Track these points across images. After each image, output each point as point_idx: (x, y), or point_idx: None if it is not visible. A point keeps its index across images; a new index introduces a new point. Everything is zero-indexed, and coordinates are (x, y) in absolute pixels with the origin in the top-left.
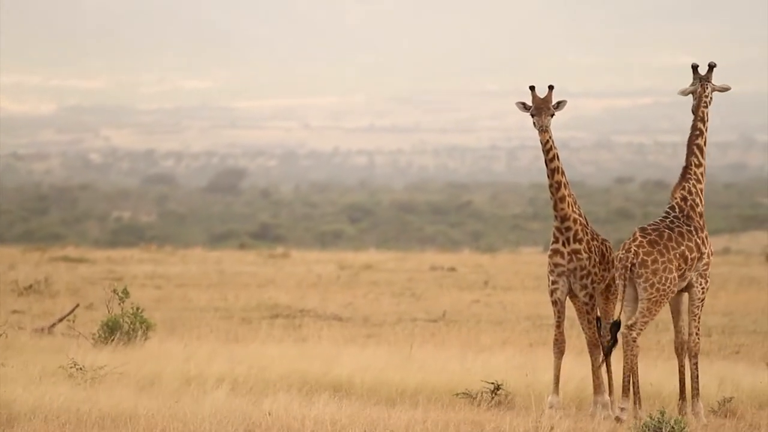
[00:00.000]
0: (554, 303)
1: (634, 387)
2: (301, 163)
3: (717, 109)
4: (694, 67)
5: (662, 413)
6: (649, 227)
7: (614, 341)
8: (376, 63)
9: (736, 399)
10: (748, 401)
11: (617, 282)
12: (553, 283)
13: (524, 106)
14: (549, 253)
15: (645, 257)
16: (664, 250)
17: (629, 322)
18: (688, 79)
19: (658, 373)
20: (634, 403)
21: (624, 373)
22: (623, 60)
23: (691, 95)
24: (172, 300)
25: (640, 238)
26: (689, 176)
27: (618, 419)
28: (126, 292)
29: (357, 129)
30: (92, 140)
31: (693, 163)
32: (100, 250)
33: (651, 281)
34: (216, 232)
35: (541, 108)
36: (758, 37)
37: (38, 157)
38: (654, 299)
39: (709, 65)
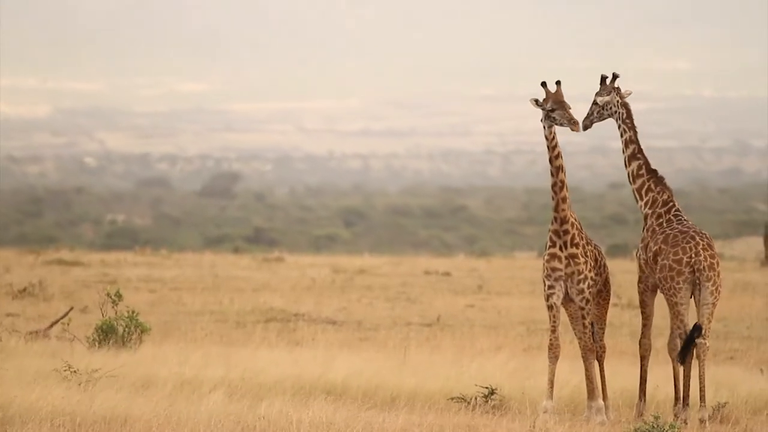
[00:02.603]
0: (550, 308)
1: (686, 391)
2: (295, 167)
3: (712, 114)
4: (603, 78)
5: (656, 417)
6: (699, 229)
7: (688, 346)
8: (371, 67)
9: (730, 404)
10: (743, 407)
11: (679, 287)
12: (549, 287)
13: (537, 103)
14: (546, 257)
15: (712, 260)
16: (716, 253)
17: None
18: (683, 85)
19: (653, 378)
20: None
21: (701, 381)
22: (618, 65)
23: (603, 106)
24: (167, 303)
25: (701, 242)
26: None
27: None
28: (119, 295)
29: (352, 133)
30: (87, 143)
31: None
32: (95, 253)
33: (717, 285)
34: (210, 236)
35: (563, 102)
36: (754, 42)
37: (33, 160)
38: (717, 302)
39: (613, 75)
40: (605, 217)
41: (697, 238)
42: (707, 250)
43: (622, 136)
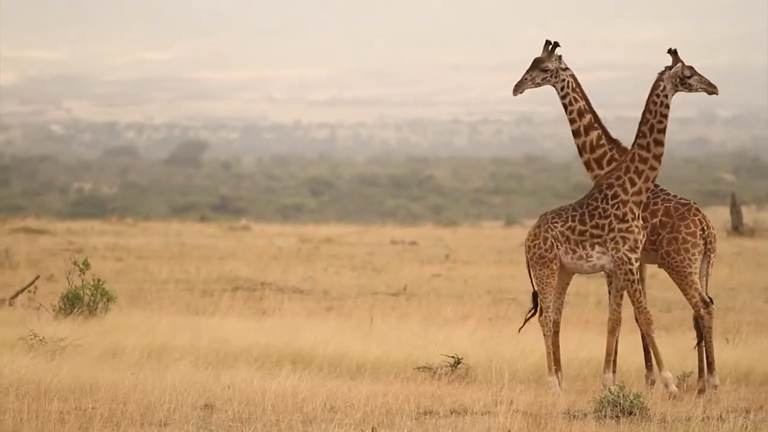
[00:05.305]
0: (637, 281)
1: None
2: (263, 136)
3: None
4: (549, 44)
5: (622, 388)
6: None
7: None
8: (339, 36)
9: (695, 374)
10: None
11: (695, 258)
12: (637, 260)
13: (670, 70)
14: (635, 230)
15: (714, 232)
16: None
17: (706, 299)
18: (650, 55)
19: (620, 348)
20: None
21: (709, 349)
22: (585, 34)
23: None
24: (133, 272)
25: (704, 214)
26: None
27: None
28: (86, 264)
29: (319, 102)
30: (54, 112)
31: None
32: (61, 222)
33: (715, 256)
34: (177, 205)
35: (693, 67)
36: (720, 13)
37: None
38: None
39: (555, 43)
40: (571, 187)
41: (701, 211)
42: (710, 222)
43: (571, 105)
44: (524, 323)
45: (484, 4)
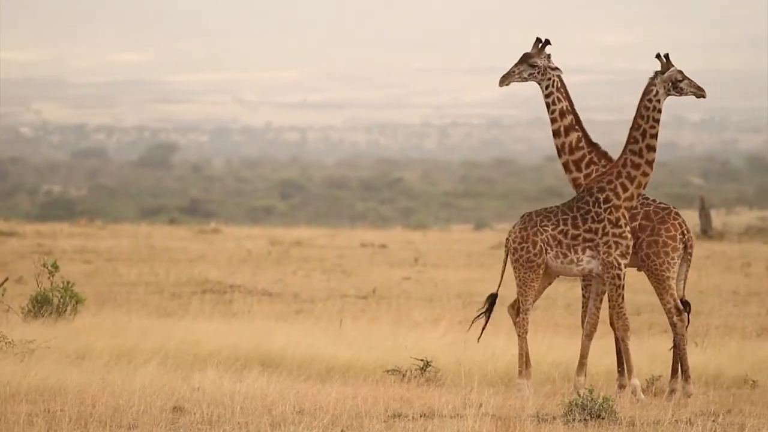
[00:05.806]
0: (623, 287)
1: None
2: (233, 139)
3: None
4: (541, 42)
5: (591, 391)
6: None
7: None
8: (309, 39)
9: (665, 377)
10: (678, 379)
11: (674, 262)
12: (625, 266)
13: (662, 74)
14: (627, 236)
15: (692, 236)
16: None
17: (680, 307)
18: (623, 58)
19: (590, 351)
20: (685, 380)
21: (683, 357)
22: (559, 37)
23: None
24: (102, 274)
25: (682, 218)
26: None
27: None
28: (55, 266)
29: (289, 105)
30: (23, 113)
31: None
32: (30, 224)
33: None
34: (147, 207)
35: (683, 72)
36: (688, 19)
37: None
38: None
39: (546, 41)
40: (542, 190)
41: (680, 215)
42: (689, 226)
43: (554, 104)
44: (472, 323)
45: (454, 8)
